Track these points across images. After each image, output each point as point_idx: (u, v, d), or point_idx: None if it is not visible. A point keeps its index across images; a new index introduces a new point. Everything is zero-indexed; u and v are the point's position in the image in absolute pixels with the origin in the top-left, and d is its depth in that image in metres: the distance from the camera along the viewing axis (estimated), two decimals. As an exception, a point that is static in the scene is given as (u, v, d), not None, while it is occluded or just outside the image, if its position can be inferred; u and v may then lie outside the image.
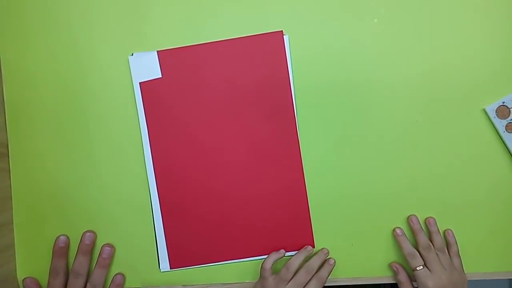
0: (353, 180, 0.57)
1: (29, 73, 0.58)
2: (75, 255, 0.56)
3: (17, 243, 0.59)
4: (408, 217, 0.56)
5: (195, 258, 0.58)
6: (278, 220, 0.57)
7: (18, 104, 0.58)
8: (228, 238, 0.58)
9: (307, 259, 0.55)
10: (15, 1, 0.58)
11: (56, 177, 0.58)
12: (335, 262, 0.56)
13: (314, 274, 0.54)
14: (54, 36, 0.58)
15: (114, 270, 0.58)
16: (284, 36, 0.56)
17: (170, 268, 0.58)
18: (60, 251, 0.56)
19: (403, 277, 0.55)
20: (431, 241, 0.55)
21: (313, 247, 0.57)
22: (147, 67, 0.57)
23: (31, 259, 0.59)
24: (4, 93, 0.58)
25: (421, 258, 0.54)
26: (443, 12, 0.55)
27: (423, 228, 0.56)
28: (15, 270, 0.59)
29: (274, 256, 0.55)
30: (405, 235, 0.56)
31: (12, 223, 0.59)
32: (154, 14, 0.57)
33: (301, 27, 0.56)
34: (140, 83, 0.57)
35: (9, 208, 0.58)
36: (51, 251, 0.56)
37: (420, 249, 0.54)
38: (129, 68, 0.57)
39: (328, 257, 0.57)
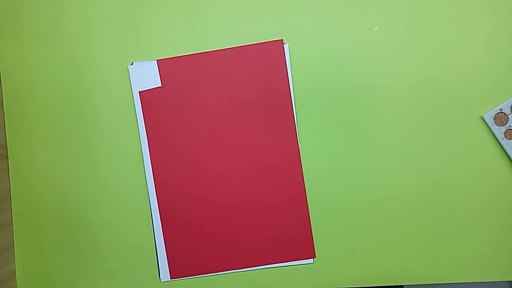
0: (353, 189, 0.57)
1: (28, 80, 0.59)
2: None
3: (16, 244, 0.59)
4: None
5: (196, 268, 0.58)
6: (278, 229, 0.57)
7: (17, 109, 0.59)
8: (229, 248, 0.58)
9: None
10: (14, 9, 0.58)
11: (55, 183, 0.59)
12: None
13: None
14: (53, 45, 0.58)
15: (115, 280, 0.58)
16: (284, 45, 0.56)
17: (171, 278, 0.58)
18: None
19: None
20: None
21: (314, 257, 0.57)
22: (147, 76, 0.57)
23: (31, 260, 0.58)
24: (4, 98, 0.59)
25: None
26: (442, 22, 0.56)
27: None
28: (15, 271, 0.58)
29: None
30: None
31: (12, 223, 0.59)
32: (154, 23, 0.57)
33: (301, 36, 0.56)
34: (140, 92, 0.57)
35: (9, 209, 0.59)
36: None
37: None
38: (129, 77, 0.57)
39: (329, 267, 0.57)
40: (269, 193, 0.57)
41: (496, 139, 0.56)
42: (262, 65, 0.56)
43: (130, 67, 0.57)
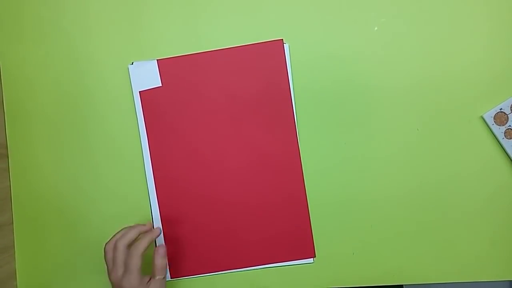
0: (353, 189, 0.57)
1: (28, 80, 0.59)
2: None
3: (17, 244, 0.59)
4: None
5: (195, 267, 0.58)
6: (278, 229, 0.57)
7: (17, 109, 0.59)
8: (228, 248, 0.57)
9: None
10: (14, 9, 0.58)
11: (55, 183, 0.59)
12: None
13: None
14: (54, 45, 0.58)
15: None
16: (284, 44, 0.56)
17: (171, 278, 0.58)
18: None
19: None
20: None
21: (314, 256, 0.57)
22: (147, 76, 0.57)
23: (31, 260, 0.59)
24: (4, 98, 0.59)
25: None
26: (442, 21, 0.56)
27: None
28: (15, 271, 0.58)
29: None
30: None
31: (12, 223, 0.59)
32: (154, 23, 0.57)
33: (301, 36, 0.56)
34: (140, 92, 0.57)
35: (9, 208, 0.59)
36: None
37: None
38: (129, 77, 0.57)
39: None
40: (269, 193, 0.57)
41: (496, 139, 0.56)
42: (262, 65, 0.56)
43: (130, 67, 0.57)
